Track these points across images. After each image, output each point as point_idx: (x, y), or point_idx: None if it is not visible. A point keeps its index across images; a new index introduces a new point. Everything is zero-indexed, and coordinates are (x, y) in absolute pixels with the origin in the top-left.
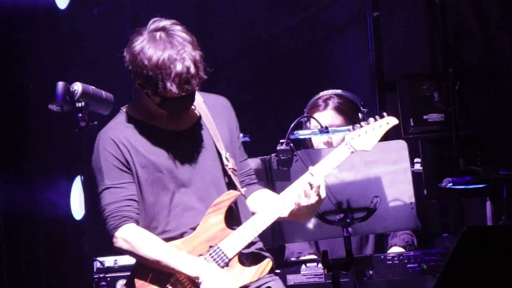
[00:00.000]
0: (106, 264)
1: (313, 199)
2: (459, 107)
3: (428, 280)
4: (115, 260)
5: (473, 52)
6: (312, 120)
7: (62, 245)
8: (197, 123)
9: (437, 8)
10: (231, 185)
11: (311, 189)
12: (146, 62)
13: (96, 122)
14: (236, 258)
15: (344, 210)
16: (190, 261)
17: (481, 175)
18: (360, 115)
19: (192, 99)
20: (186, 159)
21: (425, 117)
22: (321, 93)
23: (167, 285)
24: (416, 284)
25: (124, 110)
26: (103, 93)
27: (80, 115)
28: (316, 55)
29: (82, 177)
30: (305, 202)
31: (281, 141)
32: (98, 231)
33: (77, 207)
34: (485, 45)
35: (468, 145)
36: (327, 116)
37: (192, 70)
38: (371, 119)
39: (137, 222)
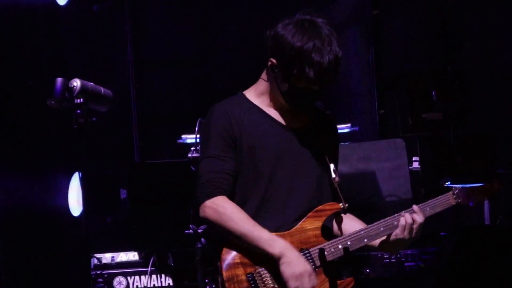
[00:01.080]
0: (104, 261)
1: (410, 235)
2: (458, 106)
3: (425, 279)
4: (112, 257)
5: (472, 51)
6: None
7: (60, 242)
8: (310, 126)
9: (436, 7)
10: (335, 198)
11: (413, 224)
12: (291, 43)
13: (94, 119)
14: (322, 268)
15: (342, 208)
16: (274, 240)
17: (479, 174)
18: None
19: (317, 97)
20: (292, 157)
21: (423, 115)
22: None
23: (252, 272)
24: (413, 282)
25: (242, 92)
26: (102, 90)
27: (78, 111)
28: None
29: (80, 173)
30: (401, 236)
31: None
32: (95, 228)
33: (75, 204)
34: (484, 44)
35: (466, 144)
36: None
37: (333, 64)
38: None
39: (230, 197)
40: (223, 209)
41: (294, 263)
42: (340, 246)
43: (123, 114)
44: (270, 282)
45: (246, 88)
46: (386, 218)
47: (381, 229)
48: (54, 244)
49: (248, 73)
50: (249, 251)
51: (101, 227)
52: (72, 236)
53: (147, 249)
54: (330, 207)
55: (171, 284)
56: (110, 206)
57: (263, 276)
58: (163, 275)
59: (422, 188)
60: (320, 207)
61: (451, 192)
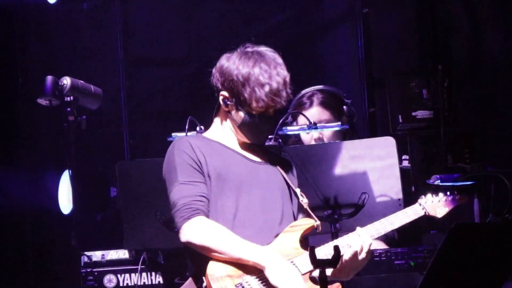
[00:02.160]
0: (94, 259)
1: (361, 259)
2: (448, 104)
3: (415, 277)
4: (103, 255)
5: (462, 49)
6: (299, 117)
7: (50, 240)
8: (270, 160)
9: (427, 5)
10: (307, 216)
11: (362, 250)
12: (237, 70)
13: (84, 117)
14: (307, 275)
15: (332, 206)
16: (259, 251)
17: (469, 172)
18: (345, 107)
19: (273, 123)
20: (258, 180)
21: (413, 113)
22: (304, 91)
23: (240, 282)
24: (403, 280)
25: (200, 134)
26: (92, 88)
27: (68, 109)
28: (305, 52)
29: (70, 171)
30: (351, 261)
31: (269, 136)
32: (85, 226)
33: (65, 202)
34: (474, 43)
35: (456, 142)
36: (314, 112)
37: (282, 84)
38: (441, 193)
39: (208, 217)
40: (204, 229)
41: (281, 270)
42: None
43: (113, 112)
44: None
45: None
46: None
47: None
48: (44, 242)
49: None
50: (233, 265)
51: (91, 225)
52: (62, 234)
53: (137, 247)
54: (305, 222)
55: (161, 282)
56: (100, 204)
57: (251, 284)
58: (153, 273)
59: (412, 186)
60: (295, 222)
61: (417, 204)
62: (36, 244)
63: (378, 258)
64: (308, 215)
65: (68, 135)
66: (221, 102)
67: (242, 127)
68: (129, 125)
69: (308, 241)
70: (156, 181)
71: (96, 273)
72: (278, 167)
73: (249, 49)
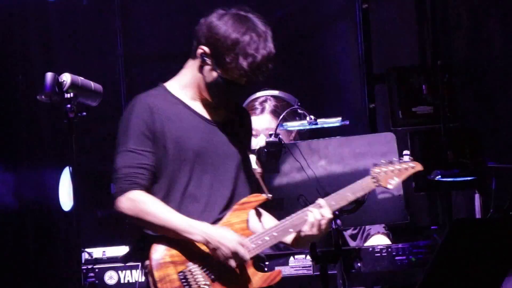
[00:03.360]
0: (95, 255)
1: (319, 231)
2: (448, 99)
3: (416, 273)
4: (104, 252)
5: (461, 45)
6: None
7: (51, 236)
8: (229, 120)
9: (426, 0)
10: (257, 190)
11: (322, 220)
12: (227, 33)
13: (85, 113)
14: (251, 261)
15: None
16: (193, 227)
17: (469, 167)
18: (297, 118)
19: (241, 93)
20: (214, 151)
21: (413, 109)
22: (257, 94)
23: (183, 269)
24: (404, 276)
25: (163, 84)
26: (92, 84)
27: (69, 106)
28: (304, 47)
29: (70, 168)
30: (309, 232)
31: (270, 133)
32: (86, 223)
33: (66, 198)
34: (473, 38)
35: (456, 138)
36: (264, 120)
37: (266, 59)
38: (395, 159)
39: (148, 191)
40: (139, 202)
41: (221, 244)
42: (266, 238)
43: (113, 108)
44: (201, 278)
45: None
46: (291, 215)
47: (288, 226)
48: (44, 238)
49: None
50: (177, 248)
51: (92, 221)
52: (63, 231)
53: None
54: (254, 198)
55: None
56: (101, 201)
57: (194, 273)
58: None
59: (413, 182)
60: (244, 199)
61: (369, 176)
62: (37, 241)
63: (379, 254)
64: (259, 187)
65: (68, 132)
66: (198, 55)
67: (210, 87)
68: None
69: (259, 218)
70: None
71: (97, 270)
72: (236, 128)
73: (243, 14)
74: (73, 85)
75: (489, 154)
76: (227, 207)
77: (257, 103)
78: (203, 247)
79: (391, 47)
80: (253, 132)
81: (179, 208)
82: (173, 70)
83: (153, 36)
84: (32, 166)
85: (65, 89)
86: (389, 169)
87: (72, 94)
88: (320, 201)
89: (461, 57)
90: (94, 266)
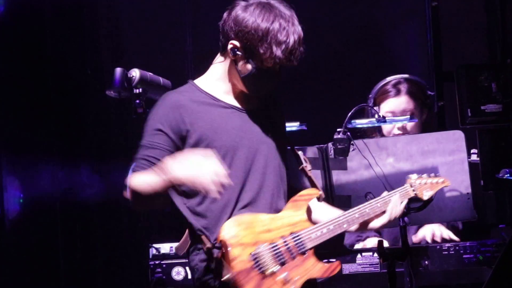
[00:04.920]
0: (162, 251)
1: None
2: None
3: (484, 271)
4: (171, 247)
5: None
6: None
7: (118, 231)
8: (264, 107)
9: None
10: (307, 185)
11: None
12: (256, 24)
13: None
14: (312, 250)
15: None
16: (162, 170)
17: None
18: (428, 99)
19: (278, 80)
20: (249, 138)
21: (482, 107)
22: (388, 78)
23: (259, 246)
24: (472, 275)
25: (192, 81)
26: (161, 80)
27: (137, 101)
28: (374, 45)
29: None
30: (384, 220)
31: (338, 129)
32: (154, 218)
33: None
34: None
35: None
36: (401, 101)
37: (298, 42)
38: (425, 175)
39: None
40: (130, 185)
41: (187, 171)
42: (324, 231)
43: None
44: (271, 261)
45: (303, 75)
46: (359, 206)
47: (356, 215)
48: (112, 233)
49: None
50: (248, 230)
51: (160, 217)
52: (131, 226)
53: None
54: (311, 192)
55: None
56: (169, 196)
57: (263, 255)
58: None
59: (481, 180)
60: (303, 192)
61: (408, 184)
62: (105, 236)
63: (446, 252)
64: (312, 182)
65: (137, 127)
66: (229, 50)
67: (246, 78)
68: None
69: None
70: None
71: (164, 266)
72: (271, 114)
73: (265, 1)
74: (142, 80)
75: None
76: (259, 193)
77: (389, 86)
78: (269, 232)
79: (461, 44)
80: (389, 115)
81: (215, 199)
82: None
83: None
84: (100, 161)
85: (134, 84)
86: (424, 182)
87: (141, 90)
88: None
89: None
90: (162, 262)
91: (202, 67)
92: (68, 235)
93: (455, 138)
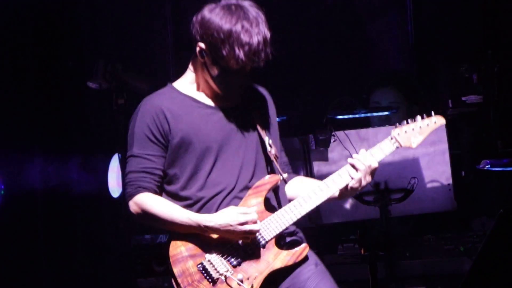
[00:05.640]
0: (143, 242)
1: (365, 181)
2: (498, 89)
3: (465, 262)
4: (152, 238)
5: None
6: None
7: (99, 223)
8: (244, 103)
9: None
10: (272, 171)
11: (368, 172)
12: (219, 25)
13: (134, 100)
14: (273, 241)
15: (382, 191)
16: (194, 220)
17: None
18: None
19: (248, 79)
20: (228, 138)
21: (463, 98)
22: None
23: (202, 261)
24: (452, 265)
25: (171, 84)
26: (142, 72)
27: (118, 92)
28: (355, 35)
29: (119, 155)
30: (356, 185)
31: (320, 121)
32: None
33: (114, 185)
34: None
35: (506, 127)
36: (387, 93)
37: (262, 45)
38: (418, 117)
39: (155, 193)
40: (143, 205)
41: (216, 227)
42: (287, 216)
43: None
44: (222, 266)
45: (284, 67)
46: (329, 177)
47: (325, 188)
48: (93, 225)
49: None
50: (194, 241)
51: None
52: (112, 217)
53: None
54: (269, 180)
55: None
56: None
57: (213, 262)
58: None
59: (462, 171)
60: (258, 182)
61: (389, 137)
62: (86, 228)
63: (427, 243)
64: (273, 168)
65: (118, 119)
66: (197, 53)
67: (216, 80)
68: None
69: (274, 202)
70: None
71: (145, 257)
72: (251, 110)
73: (233, 3)
74: (123, 72)
75: None
76: (247, 189)
77: (377, 79)
78: (220, 235)
79: (441, 36)
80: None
81: (202, 198)
82: None
83: None
84: (80, 152)
85: (115, 76)
86: (410, 128)
87: (121, 81)
88: (355, 155)
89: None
90: (143, 253)
91: (183, 60)
92: (48, 228)
93: (436, 129)
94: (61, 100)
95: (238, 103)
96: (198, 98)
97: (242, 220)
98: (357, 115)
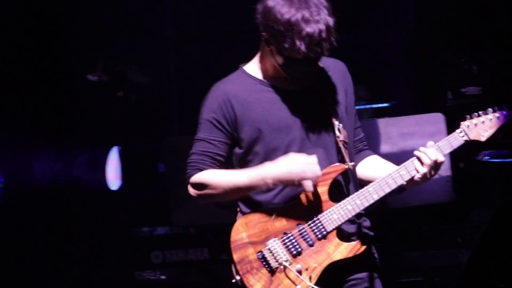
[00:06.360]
0: (141, 235)
1: (429, 175)
2: (498, 80)
3: (463, 253)
4: (150, 231)
5: None
6: None
7: (98, 215)
8: (316, 85)
9: None
10: (340, 157)
11: (433, 166)
12: (278, 16)
13: (133, 93)
14: (334, 232)
15: None
16: (258, 174)
17: None
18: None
19: (315, 66)
20: (298, 122)
21: (463, 90)
22: None
23: (262, 249)
24: (451, 256)
25: (242, 67)
26: (141, 65)
27: (118, 85)
28: (355, 27)
29: (119, 147)
30: (421, 178)
31: None
32: (133, 202)
33: (113, 178)
34: None
35: None
36: None
37: (324, 33)
38: (490, 109)
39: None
40: (201, 180)
41: (289, 171)
42: (349, 207)
43: (162, 88)
44: (281, 255)
45: None
46: (394, 170)
47: (390, 181)
48: (92, 217)
49: None
50: (256, 228)
51: (139, 201)
52: (111, 210)
53: (185, 223)
54: (334, 169)
55: (208, 258)
56: (148, 180)
57: (273, 251)
58: (199, 249)
59: (462, 163)
60: (324, 170)
61: (458, 130)
62: (84, 220)
63: (425, 234)
64: (340, 154)
65: (117, 111)
66: (263, 41)
67: (282, 67)
68: (178, 101)
69: (342, 188)
70: None
71: (143, 249)
72: (325, 93)
73: None
74: (123, 65)
75: None
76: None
77: None
78: (283, 223)
79: (442, 27)
80: None
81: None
82: (223, 50)
83: (203, 15)
84: (80, 145)
85: (114, 68)
86: (481, 121)
87: (121, 74)
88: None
89: None
90: (141, 245)
91: (183, 51)
92: (48, 220)
93: (436, 121)
94: (61, 93)
95: (310, 84)
96: (269, 81)
97: (310, 164)
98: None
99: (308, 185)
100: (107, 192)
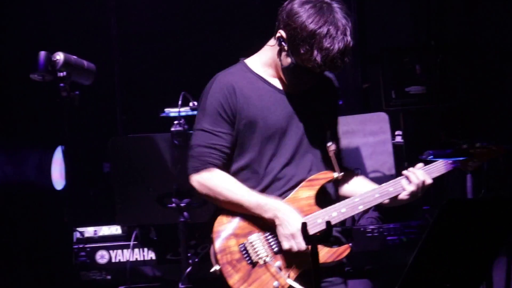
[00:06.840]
0: (86, 235)
1: (416, 196)
2: (441, 79)
3: (407, 253)
4: (95, 231)
5: (456, 24)
6: None
7: (42, 215)
8: (310, 92)
9: None
10: (329, 166)
11: (421, 187)
12: (306, 23)
13: (77, 92)
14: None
15: None
16: (266, 204)
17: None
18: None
19: (315, 79)
20: (291, 126)
21: (406, 89)
22: None
23: (244, 242)
24: (395, 256)
25: (244, 60)
26: (85, 63)
27: (62, 84)
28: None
29: (63, 147)
30: (407, 197)
31: None
32: (78, 202)
33: (58, 177)
34: (468, 17)
35: (449, 118)
36: None
37: (342, 52)
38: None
39: (221, 169)
40: (211, 182)
41: (286, 224)
42: (334, 214)
43: (106, 87)
44: (262, 251)
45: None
46: (382, 185)
47: (376, 195)
48: (36, 217)
49: (234, 45)
50: (241, 221)
51: (84, 200)
52: (55, 210)
53: (130, 223)
54: (324, 175)
55: (154, 258)
56: (92, 180)
57: (255, 245)
58: (145, 249)
59: (406, 162)
60: (313, 176)
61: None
62: (29, 220)
63: (370, 234)
64: (330, 165)
65: (61, 111)
66: (276, 38)
67: (285, 69)
68: (122, 101)
69: (329, 196)
70: (149, 157)
71: (88, 249)
72: (318, 101)
73: (326, 2)
74: (66, 64)
75: (481, 134)
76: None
77: None
78: (267, 220)
79: (385, 27)
80: None
81: (261, 182)
82: (168, 48)
83: (146, 14)
84: (24, 145)
85: (58, 68)
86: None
87: (65, 73)
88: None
89: (456, 36)
90: (86, 245)
91: (127, 50)
92: None
93: (379, 120)
94: (4, 93)
95: (306, 91)
96: (270, 80)
97: (303, 247)
98: None
99: (287, 247)
100: (51, 192)
